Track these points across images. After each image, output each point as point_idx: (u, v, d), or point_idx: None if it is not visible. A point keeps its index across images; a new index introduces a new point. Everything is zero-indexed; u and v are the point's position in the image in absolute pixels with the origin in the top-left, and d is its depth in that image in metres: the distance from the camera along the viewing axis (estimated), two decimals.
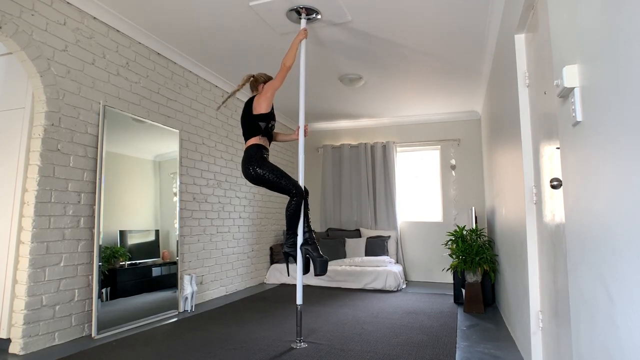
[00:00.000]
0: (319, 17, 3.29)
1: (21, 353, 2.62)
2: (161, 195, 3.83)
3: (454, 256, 4.20)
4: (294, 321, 3.43)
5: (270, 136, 3.08)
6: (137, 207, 3.53)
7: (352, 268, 5.35)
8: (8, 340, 2.69)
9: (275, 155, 6.25)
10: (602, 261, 1.13)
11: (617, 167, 1.01)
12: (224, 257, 4.80)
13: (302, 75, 3.15)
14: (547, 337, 2.12)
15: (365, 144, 6.58)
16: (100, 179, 3.16)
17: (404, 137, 6.52)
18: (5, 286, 2.75)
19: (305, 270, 2.94)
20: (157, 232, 3.74)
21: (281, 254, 5.93)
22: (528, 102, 2.42)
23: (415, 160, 6.59)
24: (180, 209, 4.08)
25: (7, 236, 2.83)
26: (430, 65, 4.38)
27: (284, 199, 6.40)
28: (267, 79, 3.12)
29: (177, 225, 3.98)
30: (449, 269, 4.33)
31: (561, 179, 1.58)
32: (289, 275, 3.42)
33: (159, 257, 3.73)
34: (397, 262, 6.00)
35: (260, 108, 2.97)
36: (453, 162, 6.21)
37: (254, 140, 2.97)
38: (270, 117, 3.00)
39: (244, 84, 3.14)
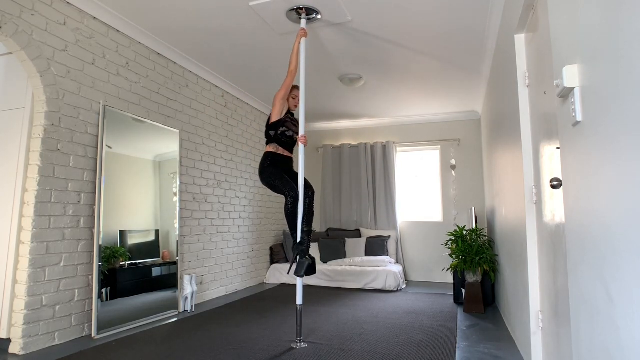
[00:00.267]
0: (319, 17, 3.29)
1: (21, 353, 2.62)
2: (161, 195, 3.83)
3: (454, 256, 4.20)
4: (294, 321, 3.43)
5: (285, 143, 3.14)
6: (137, 207, 3.53)
7: (352, 268, 5.35)
8: (8, 340, 2.69)
9: None
10: (602, 261, 1.13)
11: (617, 167, 1.01)
12: (224, 257, 4.80)
13: (302, 75, 3.15)
14: (547, 337, 2.12)
15: (365, 144, 6.58)
16: (100, 179, 3.16)
17: (404, 137, 6.51)
18: (5, 286, 2.75)
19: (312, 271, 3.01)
20: (157, 232, 3.74)
21: (281, 253, 5.93)
22: (528, 102, 2.42)
23: (415, 160, 6.59)
24: (180, 209, 4.08)
25: (7, 236, 2.83)
26: (430, 65, 4.38)
27: (284, 199, 6.40)
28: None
29: (177, 225, 3.98)
30: (449, 269, 4.33)
31: (561, 179, 1.58)
32: (288, 274, 3.44)
33: (159, 257, 3.73)
34: (397, 262, 5.99)
35: (272, 117, 3.13)
36: (453, 162, 6.21)
37: (266, 148, 3.17)
38: (279, 124, 3.09)
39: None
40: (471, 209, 4.94)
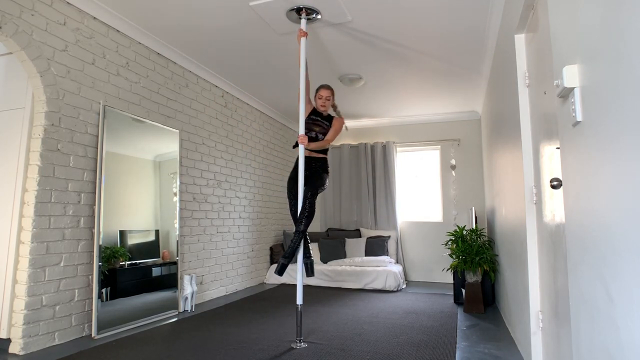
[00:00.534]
0: (319, 17, 3.29)
1: (21, 353, 2.62)
2: (161, 195, 3.83)
3: (454, 256, 4.20)
4: (294, 321, 3.43)
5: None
6: (137, 207, 3.53)
7: (352, 268, 5.35)
8: (8, 340, 2.69)
9: (275, 154, 6.26)
10: (602, 261, 1.13)
11: (617, 167, 1.01)
12: (224, 257, 4.80)
13: (302, 75, 3.15)
14: (547, 337, 2.12)
15: (365, 144, 6.58)
16: (100, 179, 3.16)
17: (404, 137, 6.51)
18: (5, 286, 2.75)
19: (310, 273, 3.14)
20: (157, 232, 3.74)
21: (281, 253, 5.92)
22: (528, 102, 2.42)
23: (415, 160, 6.59)
24: (180, 209, 4.08)
25: (7, 236, 2.83)
26: (430, 65, 4.38)
27: (284, 199, 6.41)
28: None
29: (177, 225, 3.98)
30: (449, 269, 4.33)
31: (561, 179, 1.58)
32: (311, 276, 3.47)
33: (159, 257, 3.73)
34: (397, 262, 6.00)
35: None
36: (453, 162, 6.21)
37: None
38: (305, 123, 3.17)
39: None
40: (471, 209, 4.94)
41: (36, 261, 2.73)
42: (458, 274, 4.32)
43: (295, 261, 3.00)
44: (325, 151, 3.25)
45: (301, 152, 3.08)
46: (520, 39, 2.50)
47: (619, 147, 0.99)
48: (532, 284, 2.33)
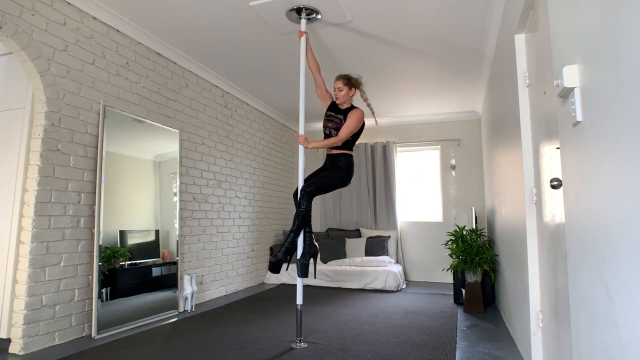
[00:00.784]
0: (319, 17, 3.29)
1: (21, 353, 2.62)
2: (161, 195, 3.83)
3: (454, 256, 4.20)
4: (294, 321, 3.43)
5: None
6: (137, 207, 3.53)
7: (352, 268, 5.35)
8: (8, 340, 2.69)
9: (275, 154, 6.26)
10: (602, 261, 1.13)
11: (617, 167, 1.01)
12: (224, 257, 4.80)
13: (302, 75, 3.15)
14: (547, 337, 2.12)
15: (365, 144, 6.58)
16: (100, 179, 3.16)
17: (404, 137, 6.51)
18: (5, 286, 2.75)
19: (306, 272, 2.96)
20: (157, 232, 3.74)
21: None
22: (528, 102, 2.42)
23: (415, 160, 6.59)
24: (180, 209, 4.08)
25: (7, 236, 2.83)
26: (430, 65, 4.38)
27: (284, 199, 6.41)
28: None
29: (177, 225, 3.98)
30: (449, 269, 4.33)
31: (561, 179, 1.58)
32: (315, 276, 3.25)
33: (159, 257, 3.73)
34: (397, 262, 5.99)
35: None
36: (453, 162, 6.21)
37: None
38: (323, 120, 3.18)
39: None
40: (471, 209, 4.94)
41: (36, 261, 2.73)
42: (458, 274, 4.32)
43: (294, 261, 2.99)
44: (346, 147, 3.03)
45: (301, 152, 3.08)
46: (520, 39, 2.50)
47: (619, 147, 0.99)
48: (532, 284, 2.33)
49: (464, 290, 4.16)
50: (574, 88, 1.31)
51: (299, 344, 2.81)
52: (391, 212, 6.31)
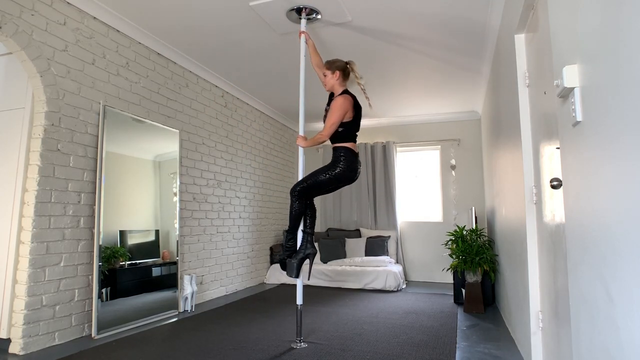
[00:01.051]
0: (319, 17, 3.29)
1: (21, 353, 2.62)
2: (161, 195, 3.83)
3: (454, 256, 4.20)
4: (294, 321, 3.43)
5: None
6: (137, 207, 3.53)
7: (352, 268, 5.35)
8: (8, 340, 2.69)
9: (275, 154, 6.26)
10: (602, 261, 1.13)
11: (617, 167, 1.01)
12: (224, 257, 4.80)
13: (302, 75, 3.15)
14: (547, 337, 2.12)
15: (365, 144, 6.58)
16: (100, 179, 3.16)
17: (404, 137, 6.51)
18: (5, 286, 2.75)
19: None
20: (157, 232, 3.74)
21: (282, 254, 5.91)
22: (528, 102, 2.42)
23: (415, 160, 6.59)
24: (180, 209, 4.08)
25: (7, 236, 2.83)
26: (430, 65, 4.38)
27: (284, 199, 6.41)
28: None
29: (177, 225, 3.98)
30: (449, 269, 4.33)
31: (561, 179, 1.58)
32: (309, 278, 3.07)
33: (159, 257, 3.73)
34: (397, 262, 5.99)
35: None
36: (453, 162, 6.21)
37: None
38: None
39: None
40: (471, 209, 4.94)
41: (36, 261, 2.73)
42: (458, 274, 4.32)
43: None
44: (342, 138, 2.78)
45: (301, 152, 3.08)
46: (520, 39, 2.50)
47: (619, 147, 0.99)
48: (532, 284, 2.33)
49: (464, 290, 4.16)
50: (574, 88, 1.31)
51: (299, 344, 2.81)
52: (391, 212, 6.31)
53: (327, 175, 2.77)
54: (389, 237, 6.04)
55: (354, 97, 2.83)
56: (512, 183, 2.96)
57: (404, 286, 5.37)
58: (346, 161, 2.75)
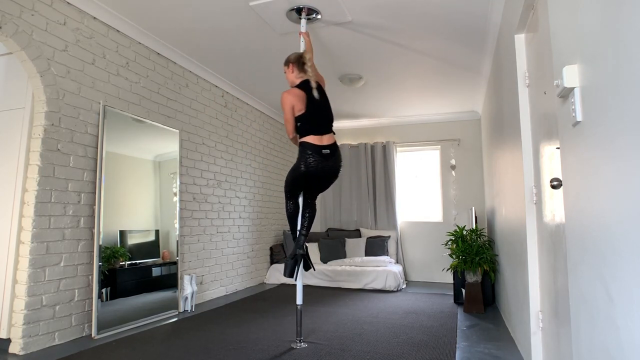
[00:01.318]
0: (319, 17, 3.29)
1: (21, 353, 2.62)
2: (161, 195, 3.83)
3: (454, 256, 4.20)
4: (294, 321, 3.43)
5: None
6: (137, 207, 3.53)
7: (352, 268, 5.35)
8: (8, 340, 2.69)
9: (275, 154, 6.25)
10: (602, 261, 1.13)
11: (617, 167, 1.01)
12: (224, 257, 4.80)
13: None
14: (547, 337, 2.12)
15: (365, 144, 6.58)
16: (100, 179, 3.16)
17: (404, 137, 6.52)
18: (5, 286, 2.75)
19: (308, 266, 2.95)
20: (157, 232, 3.74)
21: (281, 253, 5.92)
22: (528, 102, 2.42)
23: (415, 160, 6.59)
24: (180, 209, 4.08)
25: (7, 236, 2.83)
26: (430, 65, 4.38)
27: (283, 199, 6.40)
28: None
29: (177, 225, 3.98)
30: (449, 269, 4.33)
31: (561, 179, 1.58)
32: (296, 279, 2.88)
33: (159, 257, 3.73)
34: (397, 262, 5.99)
35: None
36: (453, 162, 6.21)
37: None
38: None
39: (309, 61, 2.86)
40: (471, 209, 4.94)
41: (36, 261, 2.73)
42: (458, 274, 4.32)
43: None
44: (301, 134, 2.75)
45: None
46: (520, 39, 2.50)
47: (619, 147, 0.99)
48: (532, 284, 2.33)
49: (464, 290, 4.16)
50: (574, 88, 1.31)
51: (299, 344, 2.81)
52: (391, 212, 6.31)
53: (292, 172, 2.76)
54: (389, 237, 6.04)
55: (307, 89, 2.75)
56: (512, 183, 2.96)
57: (404, 286, 5.37)
58: (303, 156, 2.69)
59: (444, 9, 3.22)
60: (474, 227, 4.49)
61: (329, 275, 5.34)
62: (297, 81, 2.84)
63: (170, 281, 3.82)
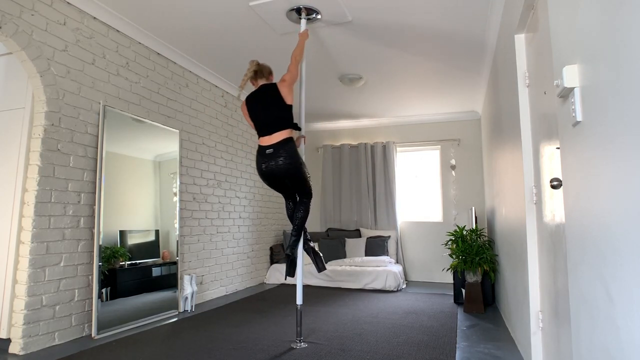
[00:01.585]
0: (319, 17, 3.29)
1: (21, 353, 2.62)
2: (161, 195, 3.83)
3: (454, 256, 4.20)
4: (294, 321, 3.43)
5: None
6: (137, 207, 3.53)
7: (352, 268, 5.35)
8: (8, 340, 2.69)
9: None
10: (602, 261, 1.13)
11: (617, 167, 1.01)
12: (224, 257, 4.80)
13: (303, 75, 3.15)
14: (547, 337, 2.12)
15: (365, 144, 6.58)
16: (100, 179, 3.16)
17: (404, 137, 6.51)
18: (5, 286, 2.75)
19: (292, 272, 2.95)
20: (157, 232, 3.74)
21: (281, 253, 5.92)
22: (528, 102, 2.42)
23: (415, 160, 6.59)
24: (180, 209, 4.08)
25: (7, 236, 2.83)
26: (430, 65, 4.38)
27: (283, 199, 6.40)
28: (271, 72, 3.04)
29: (177, 225, 3.98)
30: (449, 269, 4.33)
31: (561, 179, 1.58)
32: (293, 276, 3.01)
33: (159, 257, 3.73)
34: (397, 262, 5.99)
35: (288, 99, 2.82)
36: (453, 162, 6.21)
37: (289, 133, 2.80)
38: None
39: (255, 70, 2.95)
40: (471, 209, 4.94)
41: (36, 261, 2.73)
42: (458, 274, 4.32)
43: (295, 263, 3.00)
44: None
45: (301, 152, 3.08)
46: (520, 39, 2.50)
47: (619, 147, 0.99)
48: (532, 284, 2.33)
49: (464, 290, 4.16)
50: (574, 88, 1.31)
51: (299, 344, 2.81)
52: (391, 212, 6.31)
53: None
54: (389, 237, 6.04)
55: (248, 98, 2.92)
56: (512, 183, 2.96)
57: (404, 286, 5.37)
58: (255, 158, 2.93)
59: (444, 9, 3.22)
60: (474, 227, 4.49)
61: (329, 275, 5.34)
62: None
63: (170, 281, 3.82)
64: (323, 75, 4.67)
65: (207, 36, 3.74)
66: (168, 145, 3.95)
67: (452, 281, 5.27)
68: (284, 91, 2.81)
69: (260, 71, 2.97)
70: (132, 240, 3.46)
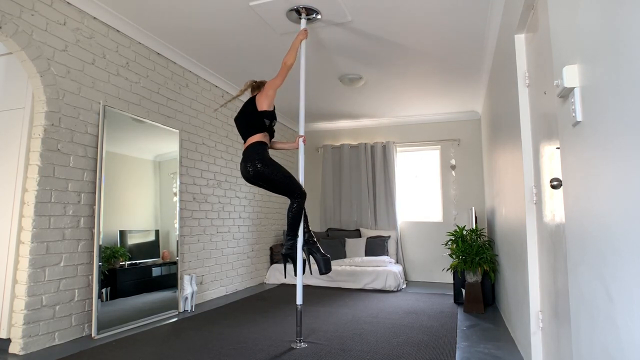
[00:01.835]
0: (319, 17, 3.29)
1: (21, 353, 2.62)
2: (161, 195, 3.83)
3: (454, 256, 4.20)
4: (294, 321, 3.43)
5: (271, 136, 3.03)
6: (137, 207, 3.53)
7: (352, 268, 5.35)
8: (8, 340, 2.69)
9: (275, 154, 6.25)
10: (602, 261, 1.13)
11: (617, 167, 1.01)
12: (224, 257, 4.80)
13: (302, 75, 3.15)
14: (547, 337, 2.12)
15: (365, 144, 6.58)
16: (100, 179, 3.16)
17: (404, 137, 6.52)
18: (5, 286, 2.75)
19: (304, 271, 2.99)
20: (157, 232, 3.74)
21: (281, 254, 5.92)
22: (528, 102, 2.42)
23: (415, 160, 6.59)
24: (180, 209, 4.08)
25: (7, 236, 2.83)
26: (430, 65, 4.38)
27: (285, 199, 6.40)
28: (261, 86, 3.10)
29: (177, 225, 3.98)
30: (449, 269, 4.33)
31: (561, 179, 1.58)
32: (285, 277, 3.23)
33: (159, 257, 3.73)
34: (397, 262, 5.99)
35: (262, 105, 2.90)
36: (453, 162, 6.21)
37: (258, 137, 2.88)
38: (273, 115, 2.96)
39: (245, 89, 3.11)
40: (471, 209, 4.94)
41: (36, 261, 2.73)
42: (458, 274, 4.32)
43: (293, 263, 3.00)
44: None
45: (301, 152, 3.08)
46: (520, 39, 2.50)
47: (619, 147, 0.99)
48: (532, 284, 2.33)
49: (464, 290, 4.16)
50: (574, 88, 1.31)
51: (299, 344, 2.81)
52: (391, 212, 6.31)
53: None
54: (389, 237, 6.05)
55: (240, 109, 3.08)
56: (512, 183, 2.96)
57: (404, 286, 5.37)
58: None
59: (444, 9, 3.22)
60: (474, 227, 4.49)
61: (329, 275, 5.33)
62: None
63: (170, 281, 3.82)
64: (323, 75, 4.67)
65: (207, 36, 3.74)
66: (168, 145, 3.95)
67: (452, 281, 5.27)
68: (259, 100, 2.93)
69: (255, 89, 3.10)
70: (132, 240, 3.46)
